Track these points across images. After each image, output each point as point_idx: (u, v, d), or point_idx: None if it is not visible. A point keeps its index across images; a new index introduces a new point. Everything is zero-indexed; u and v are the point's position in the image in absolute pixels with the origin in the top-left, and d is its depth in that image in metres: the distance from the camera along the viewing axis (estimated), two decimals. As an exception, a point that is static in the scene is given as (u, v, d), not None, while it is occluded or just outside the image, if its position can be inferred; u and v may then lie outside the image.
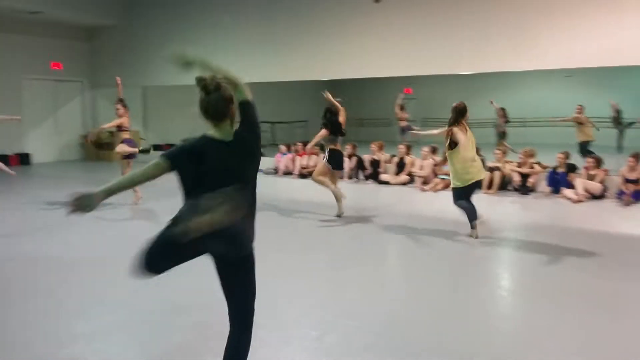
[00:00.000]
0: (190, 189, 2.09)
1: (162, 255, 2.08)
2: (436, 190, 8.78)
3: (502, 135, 11.43)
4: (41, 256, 4.90)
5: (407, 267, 4.87)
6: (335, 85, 12.18)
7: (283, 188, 9.66)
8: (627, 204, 7.41)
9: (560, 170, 8.30)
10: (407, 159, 9.75)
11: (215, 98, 2.16)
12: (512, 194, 8.49)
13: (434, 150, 9.61)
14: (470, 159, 5.35)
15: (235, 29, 12.05)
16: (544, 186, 8.51)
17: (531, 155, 8.72)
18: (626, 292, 4.01)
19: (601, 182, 7.94)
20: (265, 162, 11.68)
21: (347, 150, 9.79)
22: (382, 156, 10.14)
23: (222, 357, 2.28)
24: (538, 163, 8.71)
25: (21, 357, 2.92)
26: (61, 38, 13.67)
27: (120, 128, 7.37)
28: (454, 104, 5.50)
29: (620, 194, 7.65)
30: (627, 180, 7.64)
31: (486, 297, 3.95)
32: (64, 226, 5.87)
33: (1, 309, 3.64)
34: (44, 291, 3.98)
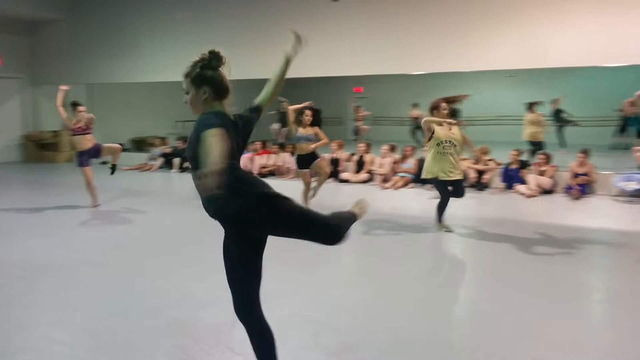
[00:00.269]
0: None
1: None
2: (397, 188, 8.97)
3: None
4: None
5: (373, 264, 4.92)
6: (289, 84, 12.15)
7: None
8: (576, 197, 7.87)
9: (513, 166, 8.70)
10: (367, 157, 9.90)
11: (223, 74, 2.24)
12: (469, 190, 8.78)
13: (392, 148, 9.82)
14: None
15: (187, 25, 11.81)
16: (498, 182, 8.89)
17: (485, 152, 9.08)
18: (576, 277, 4.31)
19: (551, 177, 8.40)
20: (222, 162, 11.53)
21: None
22: (342, 155, 10.25)
23: None
24: (492, 160, 9.10)
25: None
26: (0, 32, 12.90)
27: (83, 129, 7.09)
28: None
29: (568, 189, 8.11)
30: (576, 175, 8.11)
31: (458, 287, 4.11)
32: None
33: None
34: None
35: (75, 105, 7.14)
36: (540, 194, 8.23)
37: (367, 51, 10.20)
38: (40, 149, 13.47)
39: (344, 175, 9.87)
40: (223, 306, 3.52)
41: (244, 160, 10.94)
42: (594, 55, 8.42)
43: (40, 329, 3.25)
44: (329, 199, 8.35)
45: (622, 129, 13.27)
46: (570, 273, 4.40)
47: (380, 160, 9.73)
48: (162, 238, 5.68)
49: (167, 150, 12.20)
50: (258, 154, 10.97)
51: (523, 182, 8.46)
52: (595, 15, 8.28)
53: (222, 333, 3.14)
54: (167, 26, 12.07)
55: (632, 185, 7.68)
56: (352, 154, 10.21)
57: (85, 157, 7.01)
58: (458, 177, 5.56)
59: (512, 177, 8.65)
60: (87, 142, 7.04)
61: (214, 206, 2.13)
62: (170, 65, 12.00)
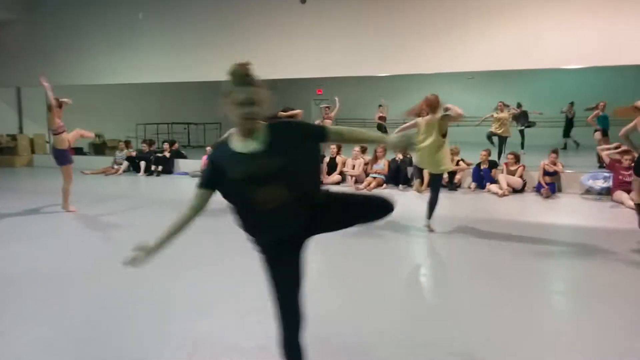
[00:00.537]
0: None
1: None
2: (370, 189, 8.99)
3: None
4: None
5: (351, 267, 4.83)
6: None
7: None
8: (547, 196, 8.10)
9: (484, 166, 8.88)
10: (339, 159, 9.89)
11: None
12: (441, 190, 8.90)
13: (364, 150, 9.84)
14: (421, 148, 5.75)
15: (149, 27, 11.49)
16: (469, 182, 9.04)
17: (456, 152, 9.22)
18: (546, 269, 4.53)
19: (521, 176, 8.61)
20: (191, 165, 11.28)
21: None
22: (313, 157, 10.19)
23: None
24: (462, 160, 9.25)
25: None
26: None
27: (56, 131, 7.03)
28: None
29: (539, 188, 8.34)
30: (546, 173, 8.35)
31: (437, 287, 4.13)
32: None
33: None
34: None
35: (60, 103, 7.16)
36: (512, 193, 8.42)
37: (333, 53, 10.24)
38: None
39: (316, 178, 9.81)
40: (215, 314, 3.43)
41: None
42: (552, 59, 8.76)
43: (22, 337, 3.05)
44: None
45: (566, 132, 14.02)
46: (544, 267, 4.61)
47: (352, 162, 9.73)
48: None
49: (132, 153, 11.84)
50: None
51: (494, 181, 8.64)
52: (555, 17, 8.58)
53: (218, 340, 3.02)
54: (126, 27, 11.72)
55: (599, 184, 7.97)
56: (324, 156, 10.18)
57: (67, 154, 7.00)
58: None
59: (483, 177, 8.83)
60: (65, 140, 7.04)
61: (296, 223, 2.01)
62: (131, 66, 11.67)
